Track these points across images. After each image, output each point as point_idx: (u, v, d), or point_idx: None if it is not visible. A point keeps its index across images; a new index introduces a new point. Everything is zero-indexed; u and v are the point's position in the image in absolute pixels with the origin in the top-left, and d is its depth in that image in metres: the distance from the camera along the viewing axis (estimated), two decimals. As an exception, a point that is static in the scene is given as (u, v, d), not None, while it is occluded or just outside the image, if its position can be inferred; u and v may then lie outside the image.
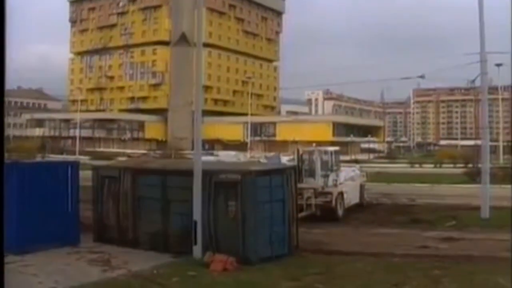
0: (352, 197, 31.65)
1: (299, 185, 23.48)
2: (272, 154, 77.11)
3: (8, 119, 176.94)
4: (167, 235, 19.32)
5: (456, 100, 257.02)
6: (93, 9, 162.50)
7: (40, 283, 15.01)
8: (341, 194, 29.52)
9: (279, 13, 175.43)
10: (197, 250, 17.83)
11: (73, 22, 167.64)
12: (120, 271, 16.44)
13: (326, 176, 29.47)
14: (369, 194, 35.66)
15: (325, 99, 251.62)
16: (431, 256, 18.79)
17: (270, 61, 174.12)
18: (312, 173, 29.59)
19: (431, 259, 18.19)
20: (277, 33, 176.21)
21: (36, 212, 18.86)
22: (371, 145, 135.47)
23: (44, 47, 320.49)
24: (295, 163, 29.28)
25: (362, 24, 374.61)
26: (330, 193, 28.76)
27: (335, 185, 29.52)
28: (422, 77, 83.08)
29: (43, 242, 18.61)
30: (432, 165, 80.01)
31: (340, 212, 29.18)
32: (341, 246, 21.10)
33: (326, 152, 30.97)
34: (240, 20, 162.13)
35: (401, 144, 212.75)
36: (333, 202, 28.62)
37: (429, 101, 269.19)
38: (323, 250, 20.02)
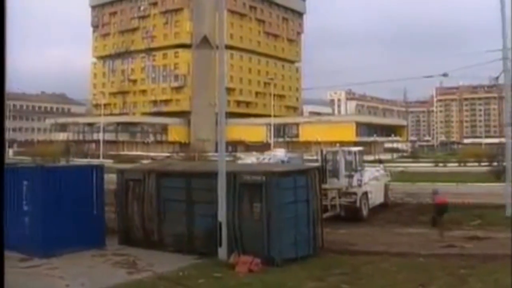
0: (376, 197, 31.51)
1: (324, 186, 23.45)
2: (294, 154, 76.96)
3: (32, 124, 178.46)
4: (192, 237, 19.35)
5: (480, 98, 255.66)
6: (114, 13, 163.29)
7: (67, 286, 15.09)
8: (365, 194, 29.43)
9: (300, 14, 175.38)
10: (222, 251, 17.84)
11: (95, 26, 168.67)
12: (146, 273, 16.49)
13: (350, 176, 29.32)
14: (393, 194, 35.51)
15: (347, 99, 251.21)
16: (457, 256, 18.69)
17: (291, 62, 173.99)
18: (336, 174, 29.48)
19: (457, 259, 18.11)
20: (298, 33, 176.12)
21: (62, 215, 18.95)
22: (395, 145, 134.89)
23: (66, 52, 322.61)
24: (319, 163, 29.22)
25: (384, 23, 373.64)
26: (355, 193, 28.68)
27: (360, 185, 29.37)
28: (445, 75, 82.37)
29: (69, 245, 18.70)
30: (456, 164, 79.40)
31: (364, 212, 29.07)
32: (366, 246, 21.03)
33: (350, 152, 30.85)
34: (261, 21, 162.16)
35: (425, 143, 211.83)
36: (358, 202, 28.55)
37: (452, 100, 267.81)
38: (348, 251, 19.97)
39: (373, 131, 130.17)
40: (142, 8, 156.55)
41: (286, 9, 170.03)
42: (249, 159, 71.99)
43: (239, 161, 68.37)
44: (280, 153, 78.63)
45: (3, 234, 6.45)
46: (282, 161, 56.55)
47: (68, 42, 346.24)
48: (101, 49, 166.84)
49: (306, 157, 67.85)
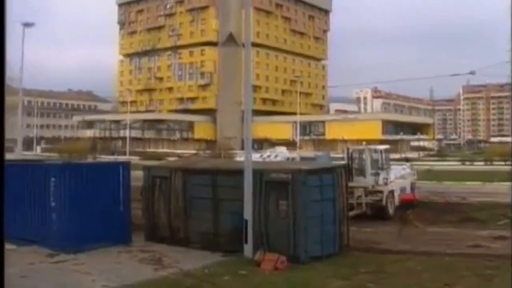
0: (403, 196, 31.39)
1: (350, 184, 23.38)
2: (320, 153, 76.96)
3: (60, 121, 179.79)
4: (218, 234, 19.39)
5: (507, 96, 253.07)
6: (141, 11, 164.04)
7: (93, 281, 15.19)
8: (391, 192, 29.34)
9: (326, 12, 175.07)
10: (248, 249, 17.86)
11: (121, 24, 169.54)
12: (172, 270, 16.53)
13: (376, 175, 29.24)
14: (419, 192, 35.31)
15: (373, 97, 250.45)
16: (483, 255, 18.52)
17: (318, 59, 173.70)
18: (362, 172, 29.40)
19: (483, 258, 17.94)
20: (325, 31, 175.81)
21: (89, 212, 19.08)
22: (421, 143, 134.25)
23: (93, 50, 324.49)
24: (346, 161, 29.17)
25: (411, 21, 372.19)
26: (381, 192, 28.61)
27: (386, 184, 29.28)
28: (472, 73, 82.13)
29: (95, 241, 18.84)
30: (482, 163, 78.86)
31: (391, 210, 28.99)
32: (392, 245, 20.95)
33: (376, 151, 30.73)
34: (287, 19, 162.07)
35: (451, 142, 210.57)
36: (384, 200, 28.48)
37: (479, 98, 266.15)
38: (374, 249, 19.90)
39: (399, 129, 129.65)
40: (168, 6, 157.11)
41: (312, 6, 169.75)
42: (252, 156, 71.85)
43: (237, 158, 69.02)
44: (282, 151, 79.03)
45: (3, 234, 6.49)
46: (288, 158, 56.97)
47: (95, 40, 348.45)
48: (128, 47, 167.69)
49: (332, 155, 67.71)
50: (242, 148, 22.67)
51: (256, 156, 72.07)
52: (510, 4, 16.77)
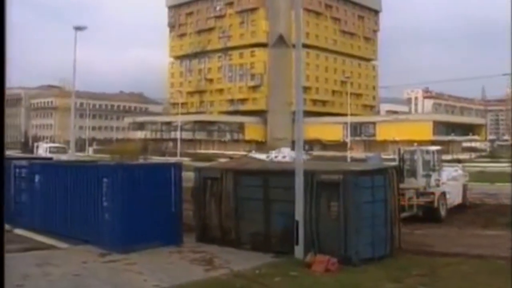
0: (454, 198, 31.03)
1: (401, 185, 23.21)
2: (371, 154, 76.63)
3: (111, 123, 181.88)
4: (268, 235, 19.38)
5: None
6: (190, 13, 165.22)
7: (145, 281, 15.30)
8: (443, 194, 28.99)
9: (376, 12, 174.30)
10: (299, 250, 17.81)
11: (171, 27, 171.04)
12: (223, 271, 16.56)
13: (428, 176, 28.99)
14: (472, 194, 34.89)
15: (424, 97, 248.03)
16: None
17: (368, 60, 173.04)
18: (414, 173, 29.19)
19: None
20: (375, 31, 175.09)
21: (140, 212, 19.25)
22: (473, 144, 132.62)
23: (144, 52, 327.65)
24: (397, 163, 28.99)
25: (461, 19, 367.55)
26: (433, 193, 28.31)
27: (437, 185, 28.98)
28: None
29: (147, 241, 18.98)
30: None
31: (442, 212, 28.67)
32: (444, 247, 20.70)
33: (427, 152, 30.47)
34: (336, 19, 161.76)
35: (504, 143, 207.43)
36: (436, 202, 28.16)
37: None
38: (426, 252, 19.67)
39: (450, 130, 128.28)
40: (218, 8, 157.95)
41: (362, 7, 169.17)
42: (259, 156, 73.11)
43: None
44: (286, 152, 79.32)
45: (3, 234, 6.54)
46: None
47: (146, 42, 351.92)
48: (178, 49, 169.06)
49: (383, 156, 67.31)
50: (293, 149, 22.61)
51: (262, 157, 73.20)
52: (510, 4, 16.40)
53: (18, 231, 23.67)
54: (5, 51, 6.40)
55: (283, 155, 75.66)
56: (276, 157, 74.24)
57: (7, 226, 24.60)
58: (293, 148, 24.84)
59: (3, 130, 6.70)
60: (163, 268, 16.80)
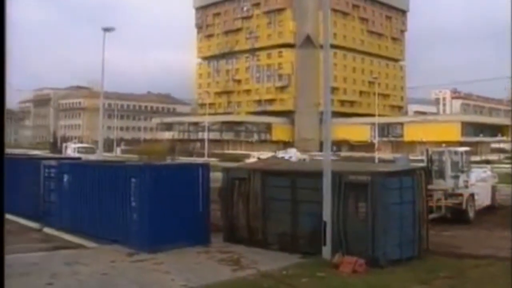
0: (483, 199, 30.77)
1: (429, 187, 23.08)
2: (399, 155, 76.42)
3: (139, 123, 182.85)
4: (296, 236, 19.35)
5: None
6: (218, 14, 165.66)
7: (172, 281, 15.35)
8: (472, 195, 28.77)
9: (403, 12, 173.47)
10: (326, 251, 17.78)
11: (199, 27, 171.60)
12: (250, 271, 16.57)
13: (456, 177, 28.82)
14: (501, 196, 34.62)
15: (453, 98, 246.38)
16: None
17: (396, 60, 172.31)
18: (442, 174, 29.04)
19: None
20: (402, 31, 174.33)
21: (168, 212, 19.30)
22: (502, 145, 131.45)
23: (171, 53, 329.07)
24: (425, 164, 28.85)
25: (488, 19, 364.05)
26: (461, 195, 28.11)
27: (466, 187, 28.81)
28: (554, 72, 79.81)
29: (175, 241, 19.03)
30: None
31: (471, 214, 28.46)
32: (472, 249, 20.55)
33: (456, 153, 30.30)
34: (364, 20, 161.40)
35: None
36: (464, 204, 27.96)
37: None
38: (454, 253, 19.54)
39: (479, 131, 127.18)
40: (245, 8, 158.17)
41: (389, 7, 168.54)
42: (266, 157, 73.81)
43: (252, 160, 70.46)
44: (293, 152, 79.67)
45: (3, 233, 6.60)
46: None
47: (173, 43, 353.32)
48: (206, 49, 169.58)
49: (411, 157, 67.05)
50: (321, 150, 22.60)
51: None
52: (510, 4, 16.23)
53: (47, 230, 23.93)
54: (5, 51, 6.45)
55: (290, 155, 76.21)
56: (282, 157, 74.69)
57: (37, 225, 24.93)
58: (321, 149, 24.78)
59: (3, 130, 6.77)
60: (191, 268, 16.84)
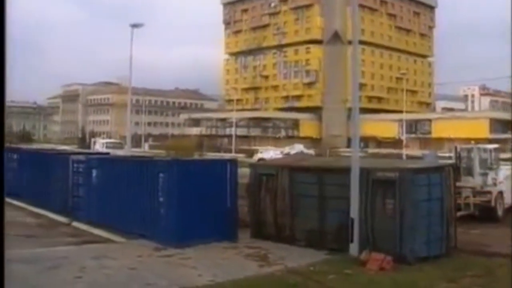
0: (510, 197, 30.50)
1: (457, 184, 22.94)
2: (427, 151, 75.97)
3: (167, 119, 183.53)
4: (323, 232, 19.31)
5: None
6: (245, 10, 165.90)
7: (199, 276, 15.36)
8: (500, 193, 28.47)
9: (431, 8, 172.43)
10: (353, 248, 17.74)
11: (226, 24, 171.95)
12: (277, 267, 16.57)
13: (485, 175, 28.56)
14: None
15: (481, 94, 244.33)
16: None
17: (424, 56, 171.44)
18: (470, 172, 28.77)
19: None
20: (430, 27, 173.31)
21: (196, 208, 19.35)
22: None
23: (199, 48, 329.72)
24: (453, 161, 28.67)
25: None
26: (489, 193, 27.85)
27: (495, 184, 28.54)
28: None
29: (202, 237, 19.08)
30: None
31: (499, 212, 28.17)
32: (501, 248, 20.26)
33: (485, 150, 30.02)
34: (392, 16, 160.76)
35: None
36: (493, 201, 27.69)
37: None
38: (482, 252, 19.33)
39: (507, 128, 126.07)
40: (272, 4, 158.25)
41: (417, 3, 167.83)
42: (268, 154, 73.77)
43: (259, 155, 70.69)
44: (300, 148, 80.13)
45: (3, 233, 6.61)
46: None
47: (201, 39, 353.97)
48: (233, 45, 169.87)
49: (439, 154, 66.63)
50: (348, 146, 22.53)
51: (277, 153, 73.90)
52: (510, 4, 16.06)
53: (76, 225, 24.13)
54: (5, 51, 6.48)
55: (295, 151, 76.62)
56: (288, 153, 75.21)
57: (65, 219, 25.16)
58: (348, 146, 24.71)
59: (3, 129, 6.81)
60: (218, 263, 16.87)
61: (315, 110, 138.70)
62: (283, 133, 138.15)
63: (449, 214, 18.74)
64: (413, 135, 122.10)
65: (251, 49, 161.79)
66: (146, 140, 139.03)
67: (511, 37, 18.34)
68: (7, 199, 32.14)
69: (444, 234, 18.42)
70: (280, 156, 66.82)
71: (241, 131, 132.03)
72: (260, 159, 63.52)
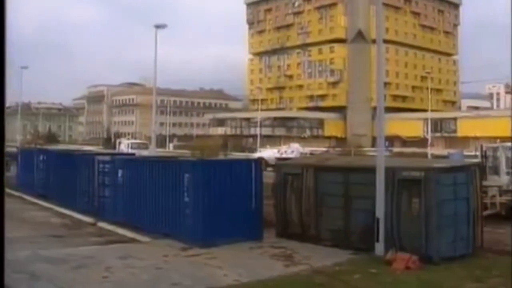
0: None
1: (483, 183, 22.79)
2: (453, 151, 75.59)
3: (191, 119, 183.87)
4: (348, 232, 19.32)
5: None
6: (269, 10, 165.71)
7: (225, 276, 15.42)
8: (527, 193, 28.31)
9: (456, 5, 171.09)
10: (379, 247, 17.71)
11: (250, 23, 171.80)
12: (302, 267, 16.60)
13: (511, 174, 28.39)
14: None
15: (506, 92, 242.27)
16: None
17: (449, 54, 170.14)
18: (496, 170, 28.60)
19: None
20: (455, 25, 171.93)
21: (221, 207, 19.46)
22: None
23: (223, 49, 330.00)
24: (479, 159, 28.49)
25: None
26: (516, 192, 27.69)
27: (521, 183, 28.36)
28: None
29: (227, 236, 19.13)
30: None
31: (527, 211, 27.98)
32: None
33: (511, 149, 29.83)
34: (416, 14, 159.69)
35: None
36: (519, 201, 27.52)
37: None
38: (509, 252, 19.23)
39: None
40: (296, 4, 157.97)
41: (442, 0, 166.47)
42: (266, 153, 73.43)
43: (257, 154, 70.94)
44: (295, 147, 79.89)
45: (3, 233, 6.62)
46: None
47: (225, 39, 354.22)
48: (257, 45, 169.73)
49: (465, 153, 66.26)
50: (373, 146, 22.46)
51: (274, 151, 73.89)
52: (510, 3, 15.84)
53: (101, 224, 24.29)
54: (5, 51, 6.52)
55: (291, 150, 76.79)
56: (285, 151, 75.32)
57: (91, 219, 25.35)
58: (373, 145, 24.60)
59: (3, 129, 6.86)
60: (243, 263, 16.91)
61: (340, 110, 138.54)
62: (308, 132, 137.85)
63: (475, 214, 18.62)
64: (438, 134, 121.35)
65: (275, 48, 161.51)
66: (171, 141, 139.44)
67: (511, 37, 18.12)
68: (35, 200, 32.56)
69: (470, 233, 18.33)
70: (277, 155, 67.63)
71: (266, 131, 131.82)
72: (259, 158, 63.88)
